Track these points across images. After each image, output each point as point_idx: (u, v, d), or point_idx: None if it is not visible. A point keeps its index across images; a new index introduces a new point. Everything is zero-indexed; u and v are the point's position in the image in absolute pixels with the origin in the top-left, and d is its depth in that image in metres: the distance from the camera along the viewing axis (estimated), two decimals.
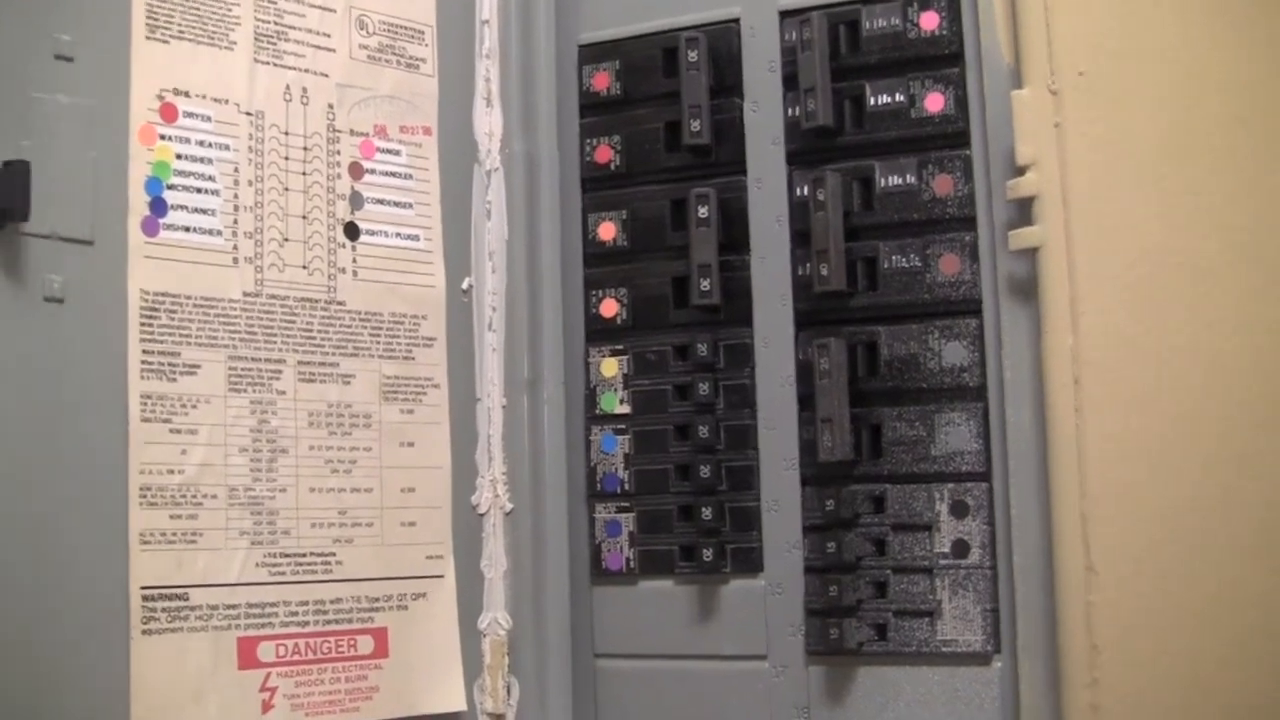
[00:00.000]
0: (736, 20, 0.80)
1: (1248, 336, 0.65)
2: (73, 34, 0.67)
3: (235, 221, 0.72)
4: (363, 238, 0.77)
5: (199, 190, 0.71)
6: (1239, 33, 0.66)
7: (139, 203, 0.68)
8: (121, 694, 0.65)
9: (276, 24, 0.74)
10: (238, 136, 0.72)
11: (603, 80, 0.83)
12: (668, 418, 0.80)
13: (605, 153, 0.83)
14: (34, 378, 0.64)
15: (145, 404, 0.67)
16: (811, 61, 0.76)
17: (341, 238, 0.76)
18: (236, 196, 0.72)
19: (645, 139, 0.82)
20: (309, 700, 0.72)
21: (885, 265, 0.75)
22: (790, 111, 0.78)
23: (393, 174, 0.79)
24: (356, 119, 0.78)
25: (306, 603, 0.72)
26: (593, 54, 0.84)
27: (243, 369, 0.71)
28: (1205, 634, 0.64)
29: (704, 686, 0.78)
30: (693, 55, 0.79)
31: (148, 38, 0.69)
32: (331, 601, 0.73)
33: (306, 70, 0.76)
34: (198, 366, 0.69)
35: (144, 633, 0.66)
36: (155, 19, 0.70)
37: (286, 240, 0.74)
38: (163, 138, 0.70)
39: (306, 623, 0.72)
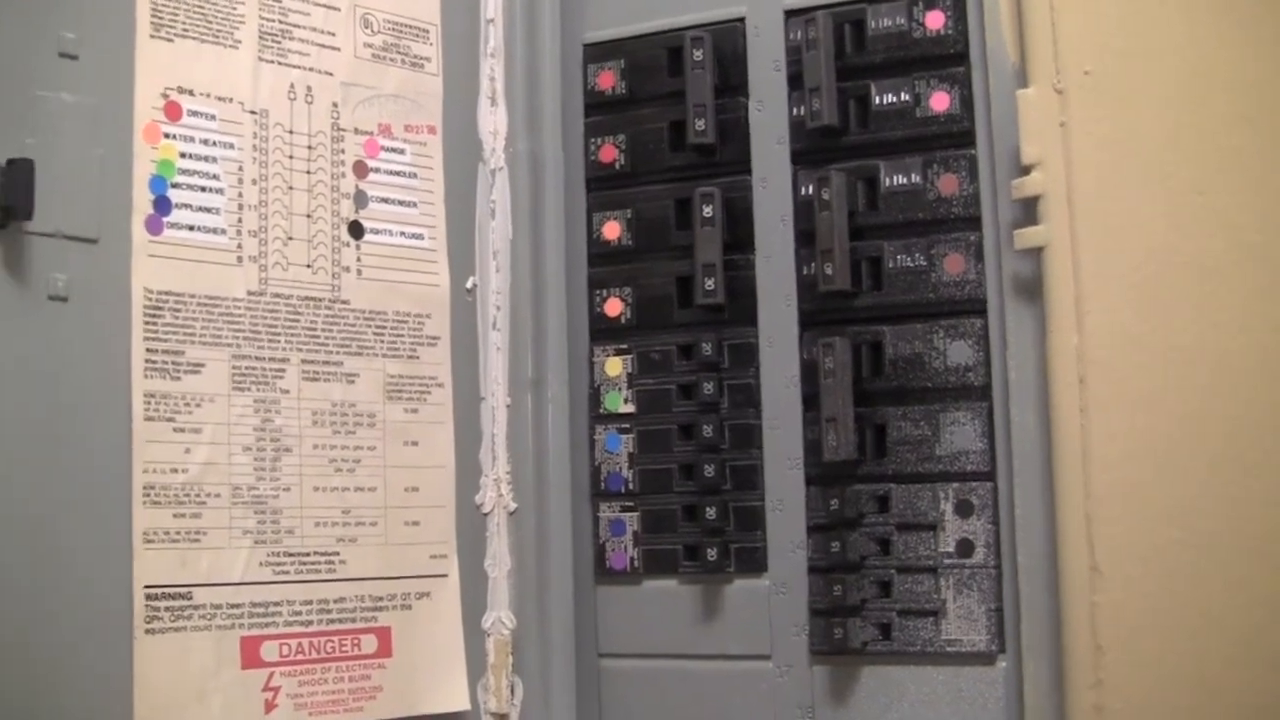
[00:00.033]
0: (742, 19, 0.80)
1: (1254, 336, 0.65)
2: (77, 32, 0.67)
3: (239, 220, 0.72)
4: (367, 236, 0.77)
5: (203, 189, 0.71)
6: (1245, 31, 0.66)
7: (143, 201, 0.68)
8: (124, 693, 0.65)
9: (281, 22, 0.74)
10: (242, 135, 0.72)
11: (607, 79, 0.83)
12: (672, 417, 0.80)
13: (610, 152, 0.83)
14: (38, 376, 0.64)
15: (149, 403, 0.67)
16: (817, 61, 0.75)
17: (346, 236, 0.76)
18: (241, 195, 0.72)
19: (650, 138, 0.82)
20: (312, 700, 0.72)
21: (890, 265, 0.75)
22: (795, 111, 0.78)
23: (397, 173, 0.79)
24: (361, 117, 0.78)
25: (310, 602, 0.72)
26: (598, 53, 0.84)
27: (247, 368, 0.71)
28: (1210, 634, 0.64)
29: (708, 686, 0.78)
30: (698, 54, 0.79)
31: (152, 36, 0.69)
32: (335, 601, 0.73)
33: (311, 69, 0.76)
34: (202, 365, 0.69)
35: (147, 632, 0.66)
36: (160, 17, 0.70)
37: (291, 239, 0.74)
38: (167, 136, 0.70)
39: (310, 622, 0.72)
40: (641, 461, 0.80)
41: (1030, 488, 0.70)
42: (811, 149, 0.78)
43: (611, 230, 0.83)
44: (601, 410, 0.82)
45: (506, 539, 0.80)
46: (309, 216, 0.75)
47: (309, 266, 0.74)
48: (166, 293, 0.69)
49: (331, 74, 0.76)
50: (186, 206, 0.70)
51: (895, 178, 0.76)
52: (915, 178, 0.75)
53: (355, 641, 0.74)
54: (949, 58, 0.75)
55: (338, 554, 0.74)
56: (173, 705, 0.66)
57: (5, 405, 0.63)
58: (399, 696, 0.75)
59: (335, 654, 0.73)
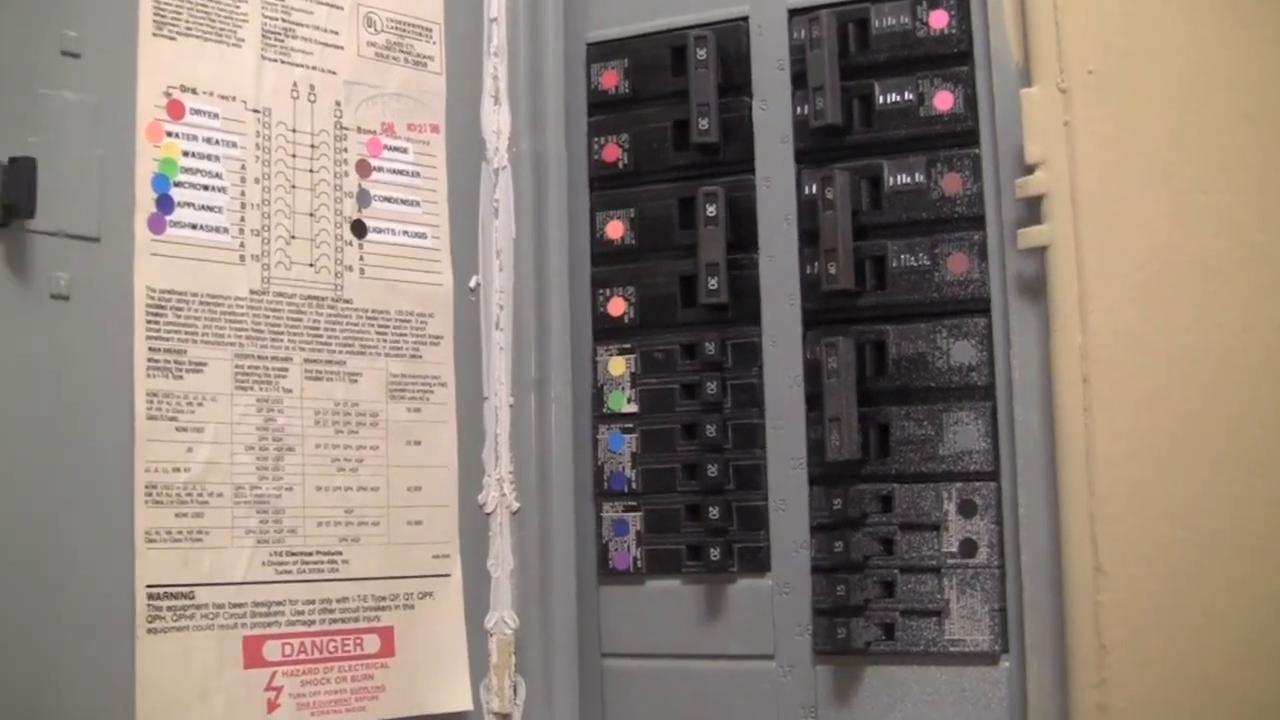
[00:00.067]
0: (745, 18, 0.80)
1: (1257, 335, 0.65)
2: (79, 30, 0.67)
3: (242, 219, 0.72)
4: (370, 235, 0.77)
5: (206, 187, 0.71)
6: (1249, 31, 0.66)
7: (145, 200, 0.68)
8: (127, 693, 0.65)
9: (284, 21, 0.74)
10: (245, 134, 0.72)
11: (611, 79, 0.83)
12: (675, 417, 0.80)
13: (613, 151, 0.83)
14: (39, 375, 0.64)
15: (151, 402, 0.67)
16: (820, 60, 0.75)
17: (348, 235, 0.76)
18: (243, 194, 0.72)
19: (653, 137, 0.82)
20: (315, 699, 0.72)
21: (894, 264, 0.75)
22: (799, 110, 0.78)
23: (400, 172, 0.79)
24: (364, 116, 0.78)
25: (313, 601, 0.72)
26: (601, 52, 0.84)
27: (249, 367, 0.71)
28: (1214, 634, 0.64)
29: (711, 686, 0.78)
30: (701, 53, 0.79)
31: (155, 34, 0.69)
32: (338, 600, 0.73)
33: (314, 68, 0.76)
34: (204, 364, 0.69)
35: (149, 631, 0.66)
36: (162, 15, 0.70)
37: (293, 238, 0.74)
38: (169, 135, 0.70)
39: (312, 622, 0.72)
40: (644, 461, 0.80)
41: (1034, 487, 0.70)
42: (815, 148, 0.78)
43: (615, 229, 0.82)
44: (605, 410, 0.82)
45: (509, 539, 0.80)
46: (312, 215, 0.75)
47: (312, 265, 0.74)
48: (169, 291, 0.69)
49: (334, 73, 0.76)
50: (189, 205, 0.70)
51: (899, 177, 0.75)
52: (919, 177, 0.75)
53: (358, 641, 0.74)
54: (953, 57, 0.75)
55: (340, 553, 0.74)
56: (175, 705, 0.66)
57: (7, 404, 0.63)
58: (401, 696, 0.75)
59: (338, 654, 0.73)
